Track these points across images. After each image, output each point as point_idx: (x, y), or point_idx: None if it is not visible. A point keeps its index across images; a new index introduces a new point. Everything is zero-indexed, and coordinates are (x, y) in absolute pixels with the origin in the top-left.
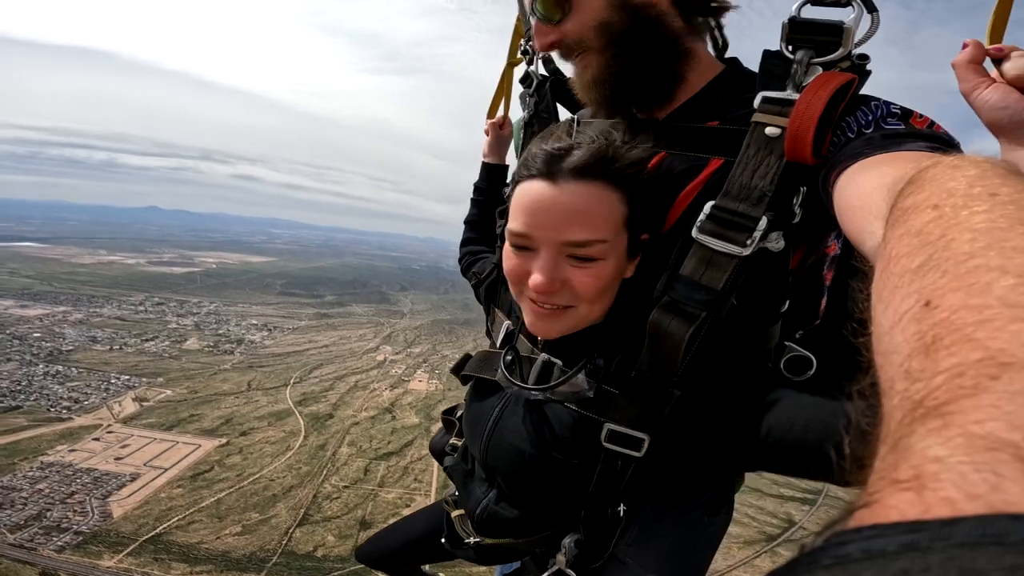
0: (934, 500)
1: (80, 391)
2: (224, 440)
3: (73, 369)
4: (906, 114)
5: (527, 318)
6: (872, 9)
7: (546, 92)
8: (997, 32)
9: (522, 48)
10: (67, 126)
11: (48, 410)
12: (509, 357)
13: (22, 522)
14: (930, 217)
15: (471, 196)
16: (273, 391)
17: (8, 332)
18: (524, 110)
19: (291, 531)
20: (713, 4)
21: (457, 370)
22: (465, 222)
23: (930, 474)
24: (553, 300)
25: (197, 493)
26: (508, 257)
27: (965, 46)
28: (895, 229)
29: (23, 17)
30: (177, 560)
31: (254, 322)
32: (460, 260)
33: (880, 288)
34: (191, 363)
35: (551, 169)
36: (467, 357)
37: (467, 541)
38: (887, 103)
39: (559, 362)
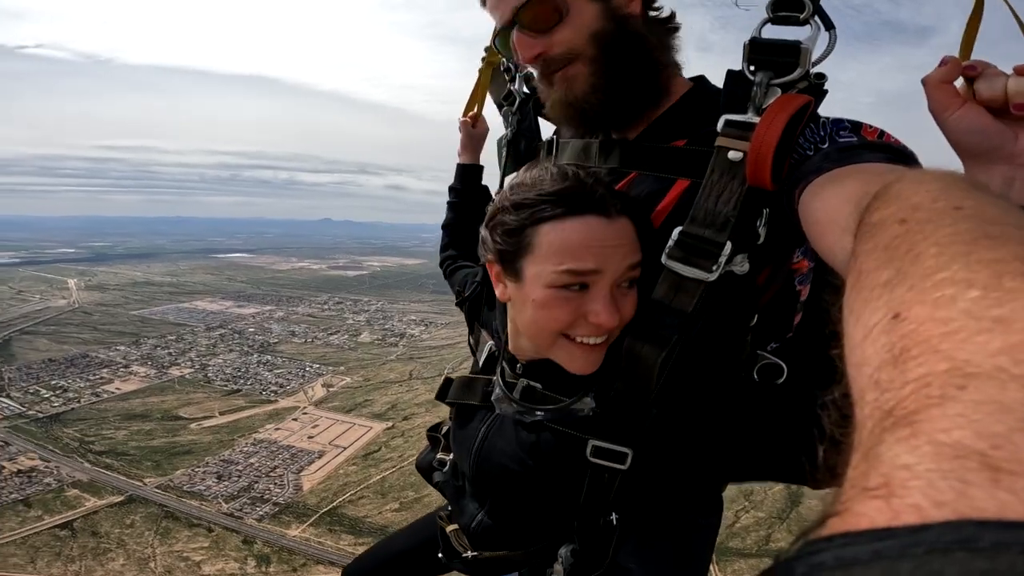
0: (902, 507)
1: (284, 377)
2: (390, 424)
3: (279, 358)
4: (856, 126)
5: (569, 362)
6: (830, 27)
7: (529, 111)
8: (967, 47)
9: (504, 66)
10: (255, 149)
11: (260, 393)
12: (509, 370)
13: (235, 493)
14: (897, 232)
15: (447, 199)
16: (430, 380)
17: (230, 327)
18: (507, 128)
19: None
20: (671, 25)
21: (441, 396)
22: (443, 227)
23: (899, 481)
24: (613, 333)
25: (367, 471)
26: (552, 304)
27: (944, 63)
28: (864, 243)
29: (203, 49)
30: (346, 532)
31: (413, 318)
32: (441, 265)
33: (851, 301)
34: (364, 354)
35: (605, 205)
36: (448, 382)
37: (464, 555)
38: (836, 119)
39: (539, 385)
